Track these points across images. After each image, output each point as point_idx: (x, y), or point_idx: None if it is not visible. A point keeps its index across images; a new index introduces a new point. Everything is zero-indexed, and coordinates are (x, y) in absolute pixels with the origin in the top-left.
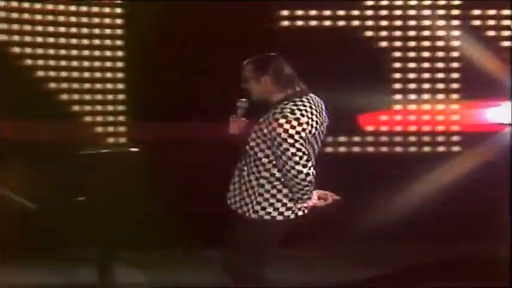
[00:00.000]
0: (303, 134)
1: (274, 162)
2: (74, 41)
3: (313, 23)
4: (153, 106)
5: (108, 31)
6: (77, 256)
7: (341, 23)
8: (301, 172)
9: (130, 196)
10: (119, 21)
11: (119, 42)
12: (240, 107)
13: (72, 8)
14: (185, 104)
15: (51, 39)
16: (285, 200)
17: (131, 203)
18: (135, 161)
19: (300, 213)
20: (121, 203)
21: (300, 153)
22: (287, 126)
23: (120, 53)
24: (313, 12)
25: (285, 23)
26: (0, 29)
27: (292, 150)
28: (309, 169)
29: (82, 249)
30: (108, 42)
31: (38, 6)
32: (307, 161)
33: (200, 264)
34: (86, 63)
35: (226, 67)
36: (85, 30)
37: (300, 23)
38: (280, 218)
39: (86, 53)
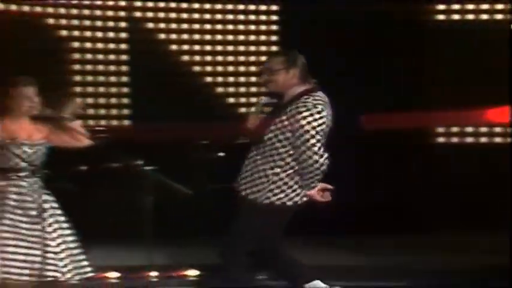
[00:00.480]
0: (323, 127)
1: (290, 152)
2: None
3: None
4: None
5: (263, 37)
6: None
7: None
8: (317, 161)
9: None
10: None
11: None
12: (260, 103)
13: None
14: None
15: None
16: (295, 187)
17: None
18: None
19: (304, 199)
20: None
21: (319, 144)
22: (310, 118)
23: None
24: None
25: None
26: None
27: (313, 141)
28: (325, 159)
29: None
30: (263, 48)
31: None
32: (324, 151)
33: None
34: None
35: None
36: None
37: None
38: (289, 203)
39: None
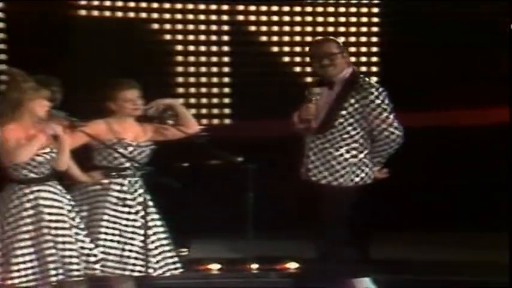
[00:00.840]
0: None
1: (361, 133)
2: None
3: None
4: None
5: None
6: None
7: None
8: (398, 135)
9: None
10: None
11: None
12: (311, 93)
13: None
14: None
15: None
16: (370, 165)
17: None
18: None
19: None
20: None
21: (395, 118)
22: (381, 97)
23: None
24: None
25: None
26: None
27: (391, 116)
28: (401, 131)
29: None
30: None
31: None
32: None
33: None
34: None
35: None
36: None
37: None
38: (361, 182)
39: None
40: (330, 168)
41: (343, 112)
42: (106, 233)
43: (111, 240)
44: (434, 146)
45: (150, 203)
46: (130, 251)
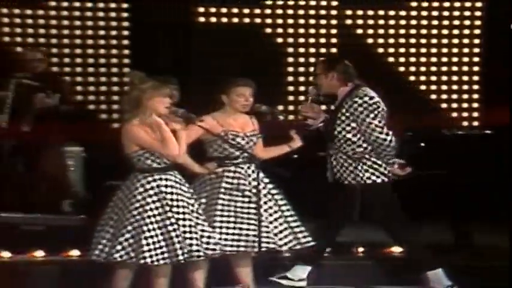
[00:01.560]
0: (379, 110)
1: (362, 138)
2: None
3: None
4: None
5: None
6: None
7: None
8: (386, 139)
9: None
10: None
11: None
12: (308, 93)
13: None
14: None
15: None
16: (383, 166)
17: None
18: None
19: (391, 175)
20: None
21: (382, 125)
22: (366, 105)
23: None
24: None
25: None
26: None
27: (376, 122)
28: (392, 137)
29: None
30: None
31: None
32: (388, 130)
33: None
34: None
35: None
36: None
37: None
38: (386, 179)
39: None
40: (343, 170)
41: (338, 121)
42: (222, 216)
43: (228, 222)
44: None
45: (270, 186)
46: (249, 229)
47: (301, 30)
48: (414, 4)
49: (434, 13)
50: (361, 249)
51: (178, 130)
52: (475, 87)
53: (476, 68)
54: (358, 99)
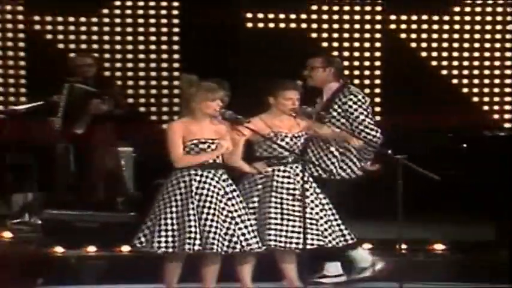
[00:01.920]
0: (369, 107)
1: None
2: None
3: None
4: None
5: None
6: None
7: None
8: (375, 136)
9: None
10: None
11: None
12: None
13: None
14: None
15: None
16: (358, 162)
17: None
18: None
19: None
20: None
21: (372, 122)
22: (360, 103)
23: None
24: None
25: None
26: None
27: (368, 120)
28: (379, 133)
29: None
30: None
31: None
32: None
33: None
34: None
35: None
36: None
37: None
38: (353, 175)
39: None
40: (322, 163)
41: (329, 116)
42: (275, 213)
43: (281, 219)
44: None
45: (314, 185)
46: (298, 226)
47: (346, 35)
48: (457, 9)
49: (477, 18)
50: (404, 246)
51: (238, 138)
52: None
53: None
54: (353, 96)
